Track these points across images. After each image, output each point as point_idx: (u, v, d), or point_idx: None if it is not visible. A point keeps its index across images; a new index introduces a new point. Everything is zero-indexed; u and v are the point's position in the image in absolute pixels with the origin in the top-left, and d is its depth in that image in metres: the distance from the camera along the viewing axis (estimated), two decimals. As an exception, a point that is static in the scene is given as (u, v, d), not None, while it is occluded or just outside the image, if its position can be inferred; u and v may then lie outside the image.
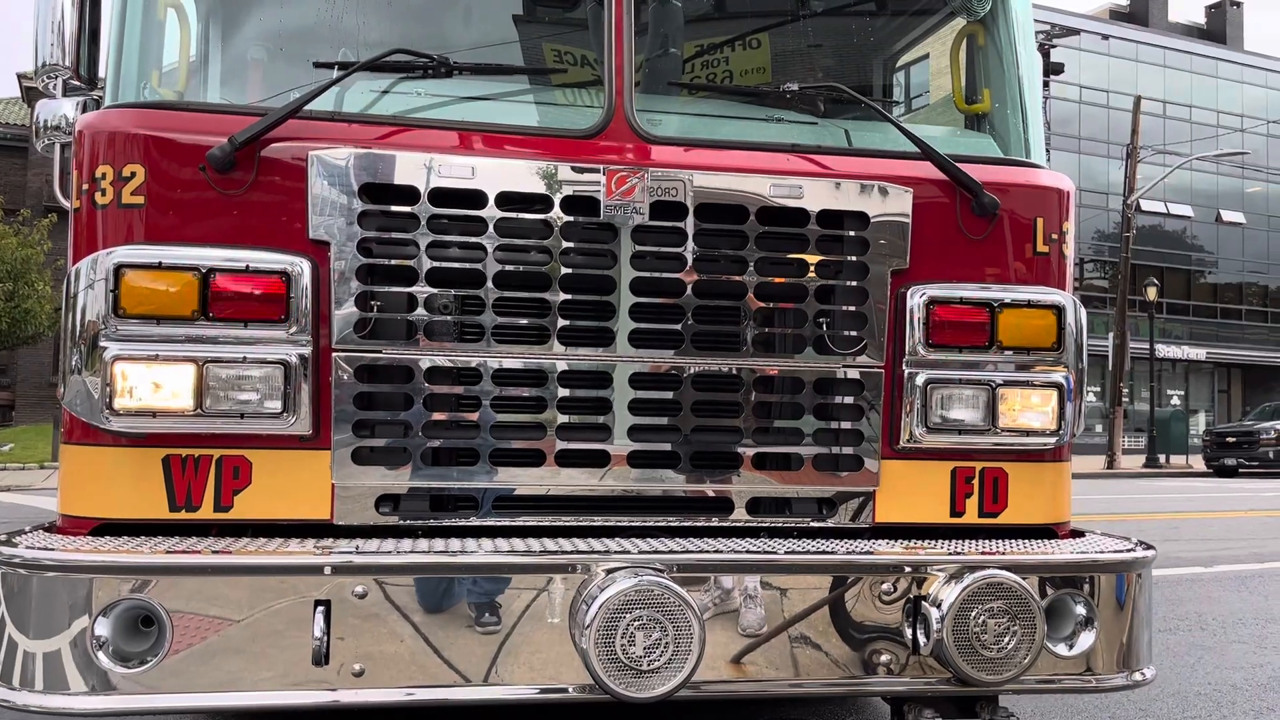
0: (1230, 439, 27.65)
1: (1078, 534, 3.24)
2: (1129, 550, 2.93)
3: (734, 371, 2.90)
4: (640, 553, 2.55)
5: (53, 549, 2.42)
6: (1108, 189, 38.14)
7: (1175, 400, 40.21)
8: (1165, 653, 5.58)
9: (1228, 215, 41.36)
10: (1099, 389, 38.27)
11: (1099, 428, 37.68)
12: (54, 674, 2.34)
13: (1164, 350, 38.02)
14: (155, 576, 2.37)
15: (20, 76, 34.52)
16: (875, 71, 3.78)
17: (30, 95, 34.16)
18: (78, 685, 2.33)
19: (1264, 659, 5.48)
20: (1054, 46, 38.27)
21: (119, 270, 2.57)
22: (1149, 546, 2.97)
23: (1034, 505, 3.13)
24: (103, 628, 2.33)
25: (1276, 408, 29.43)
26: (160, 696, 2.36)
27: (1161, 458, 29.88)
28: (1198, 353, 40.18)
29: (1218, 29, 44.08)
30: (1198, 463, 29.61)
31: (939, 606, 2.58)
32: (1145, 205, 37.16)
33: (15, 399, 34.26)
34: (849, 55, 3.67)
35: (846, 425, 2.98)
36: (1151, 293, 30.38)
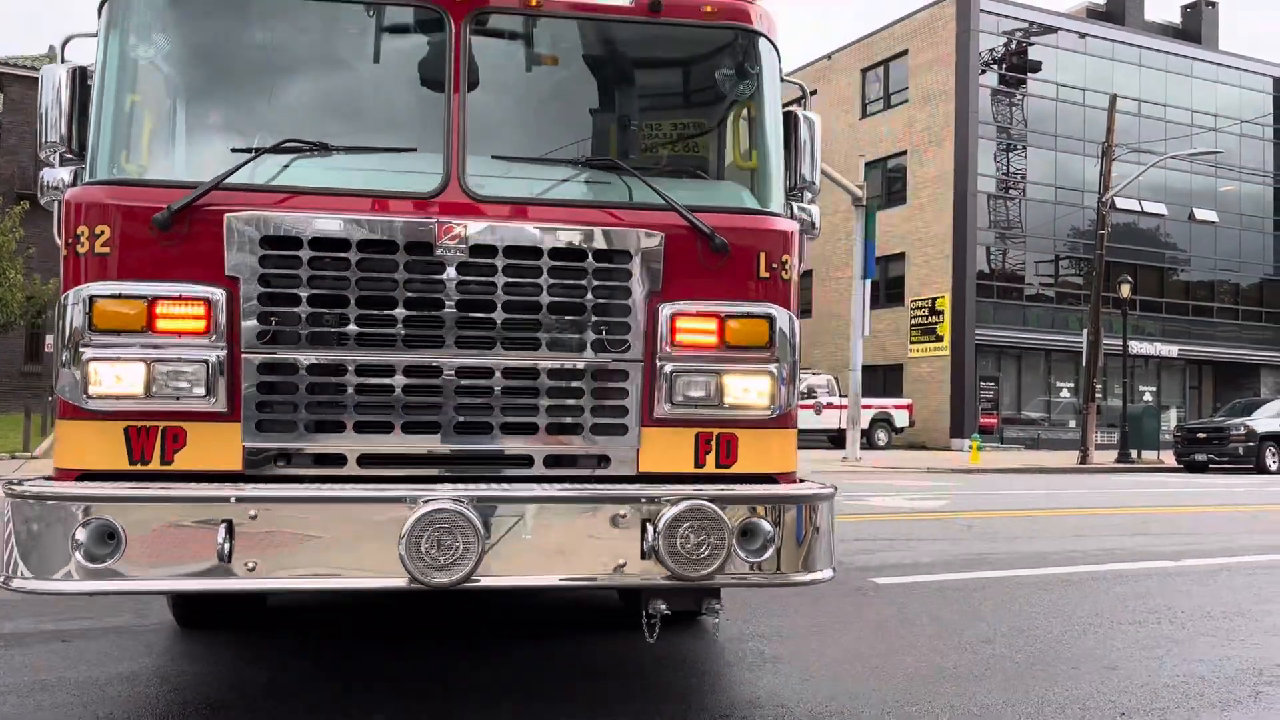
0: (1201, 435, 27.92)
1: (800, 480, 4.18)
2: (810, 489, 3.98)
3: (533, 366, 3.82)
4: (453, 490, 3.53)
5: (51, 487, 3.51)
6: (1083, 187, 38.38)
7: (1148, 396, 40.55)
8: (1135, 644, 5.67)
9: (1201, 214, 41.69)
10: (1072, 385, 38.60)
11: (1072, 423, 38.00)
12: (47, 567, 3.39)
13: (1137, 347, 38.32)
14: (116, 504, 3.40)
15: (-8, 61, 33.96)
16: (674, 138, 4.70)
17: (3, 81, 33.73)
18: (63, 575, 3.38)
19: (1231, 652, 5.57)
20: (1031, 45, 38.53)
21: (92, 299, 3.58)
22: (829, 486, 4.04)
23: (759, 459, 4.07)
24: (81, 535, 3.35)
25: (1246, 404, 29.78)
26: (117, 583, 3.42)
27: (1133, 453, 30.12)
28: (1170, 350, 40.56)
29: (1193, 28, 44.40)
30: (1169, 458, 29.86)
31: (656, 525, 3.57)
32: (1120, 203, 37.38)
33: (-14, 388, 33.78)
34: (652, 124, 4.67)
35: (616, 403, 3.91)
36: (1125, 290, 30.60)
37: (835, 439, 31.82)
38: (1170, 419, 38.02)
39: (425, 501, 3.44)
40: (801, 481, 4.18)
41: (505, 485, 3.70)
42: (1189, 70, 41.94)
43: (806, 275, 43.88)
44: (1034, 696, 4.59)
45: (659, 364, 3.92)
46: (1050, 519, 12.73)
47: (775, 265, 4.11)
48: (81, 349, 3.59)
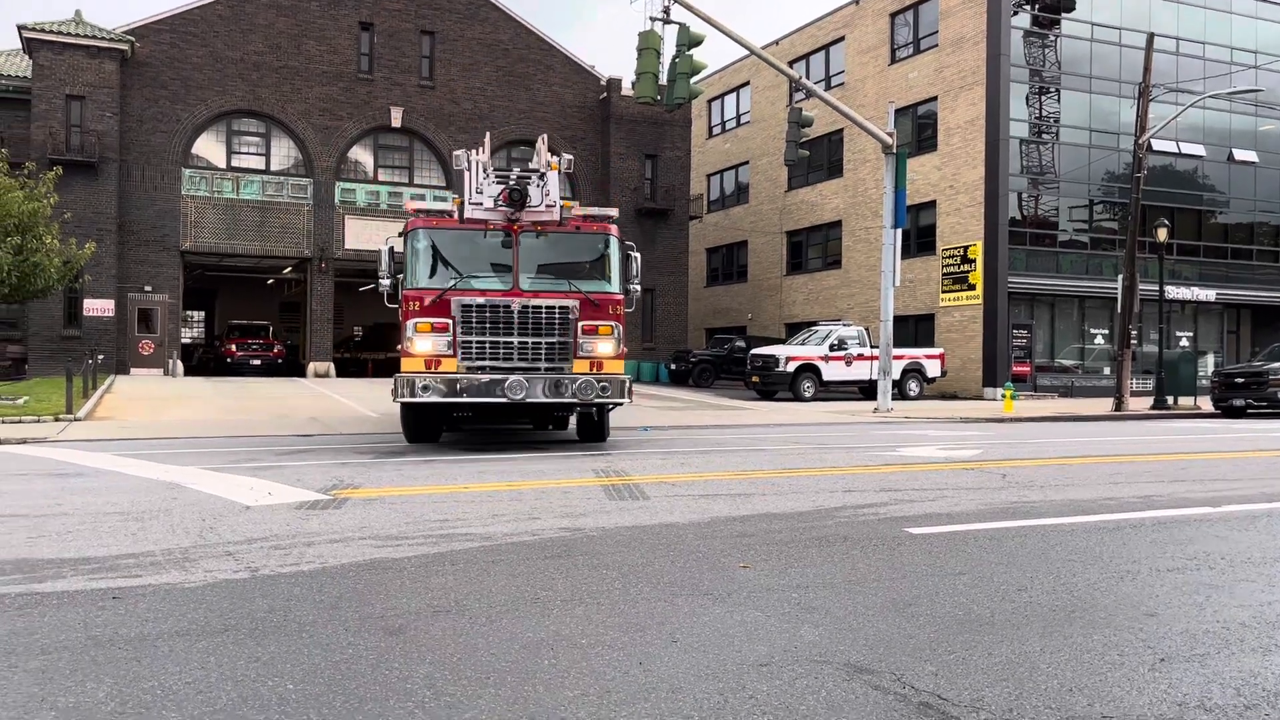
0: (1239, 379, 27.52)
1: (623, 374, 14.80)
2: (622, 376, 14.64)
3: (541, 341, 14.31)
4: (519, 375, 14.08)
5: (409, 374, 14.15)
6: (1119, 129, 37.63)
7: (1184, 342, 39.95)
8: (1174, 591, 5.65)
9: (1240, 154, 40.74)
10: (1107, 331, 38.15)
11: (1107, 370, 37.62)
12: (408, 394, 14.01)
13: (1173, 292, 37.74)
14: (427, 378, 13.97)
15: (20, 28, 34.04)
16: (587, 266, 14.90)
17: (31, 46, 33.81)
18: (413, 397, 14.01)
19: (1272, 597, 5.54)
20: (1065, -17, 37.53)
21: (415, 323, 14.08)
22: (629, 376, 15.00)
23: (610, 369, 14.54)
24: (419, 384, 13.90)
25: (1286, 348, 29.26)
26: (429, 399, 14.07)
27: (1169, 399, 29.80)
28: (1207, 294, 39.86)
29: (1233, -38, 43.07)
30: (1206, 404, 29.52)
31: (573, 385, 14.14)
32: (1156, 145, 36.63)
33: (27, 352, 34.30)
34: (579, 261, 14.92)
35: (565, 352, 14.39)
36: (1162, 234, 30.04)
37: (866, 390, 31.68)
38: (1207, 364, 37.50)
39: (512, 376, 13.92)
40: (623, 374, 14.61)
41: (534, 373, 14.15)
42: (1228, 6, 40.78)
43: (836, 226, 43.54)
44: (1072, 643, 4.60)
45: (579, 339, 14.33)
46: (1085, 467, 12.64)
47: (614, 308, 14.52)
48: (413, 337, 13.95)
